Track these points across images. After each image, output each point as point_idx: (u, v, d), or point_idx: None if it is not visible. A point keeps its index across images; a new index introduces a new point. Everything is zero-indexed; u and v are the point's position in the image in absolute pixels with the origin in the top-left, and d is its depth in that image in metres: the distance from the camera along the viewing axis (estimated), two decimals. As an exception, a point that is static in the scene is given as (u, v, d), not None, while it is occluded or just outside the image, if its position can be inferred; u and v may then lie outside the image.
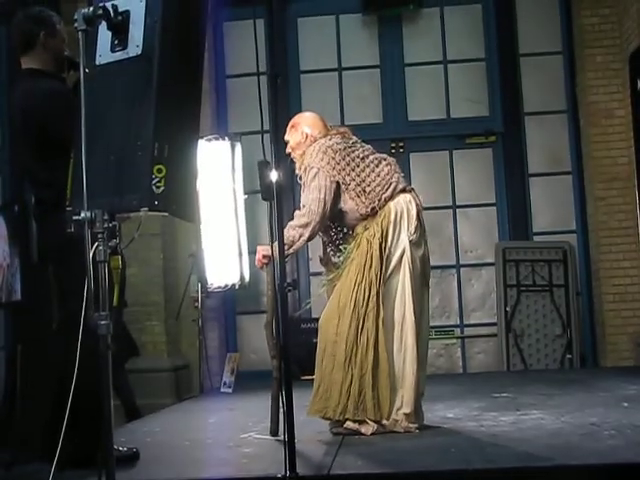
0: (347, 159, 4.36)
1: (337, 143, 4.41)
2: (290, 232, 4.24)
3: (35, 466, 3.80)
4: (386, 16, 8.65)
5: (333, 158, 4.34)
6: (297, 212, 4.36)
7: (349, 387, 4.11)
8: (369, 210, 4.32)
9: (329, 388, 4.14)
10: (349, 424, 4.18)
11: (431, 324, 8.23)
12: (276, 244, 3.38)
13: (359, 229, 4.35)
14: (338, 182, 4.32)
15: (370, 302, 4.17)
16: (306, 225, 4.29)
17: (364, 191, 4.32)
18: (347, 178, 4.33)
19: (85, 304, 2.73)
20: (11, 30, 3.84)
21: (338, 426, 4.21)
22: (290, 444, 3.11)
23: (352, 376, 4.11)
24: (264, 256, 4.37)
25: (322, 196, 4.30)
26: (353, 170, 4.35)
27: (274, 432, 4.17)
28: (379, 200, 4.33)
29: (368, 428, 4.15)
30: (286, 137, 4.51)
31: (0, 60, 8.49)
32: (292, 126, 4.55)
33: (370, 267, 4.21)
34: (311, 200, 4.32)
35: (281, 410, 3.30)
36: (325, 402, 4.15)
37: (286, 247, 4.08)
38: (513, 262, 8.23)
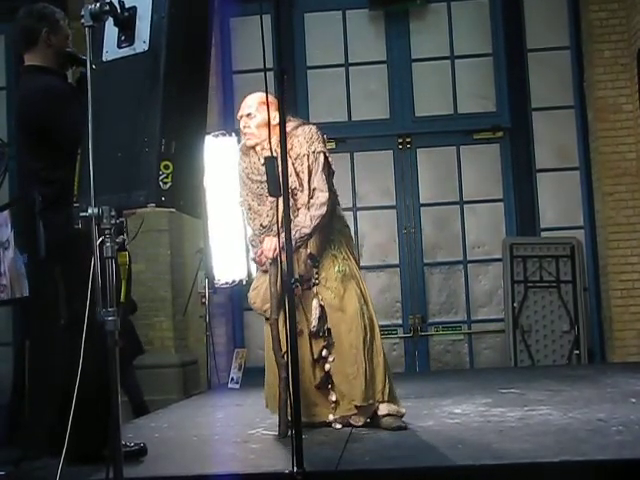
0: None
1: None
2: (314, 222, 4.18)
3: (43, 462, 3.81)
4: (393, 12, 8.64)
5: (326, 145, 4.36)
6: (314, 201, 4.22)
7: (387, 367, 4.27)
8: (338, 201, 4.46)
9: (372, 373, 4.19)
10: (391, 407, 4.22)
11: (438, 319, 8.42)
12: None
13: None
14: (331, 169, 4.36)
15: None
16: (326, 214, 4.23)
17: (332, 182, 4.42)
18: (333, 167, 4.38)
19: (93, 300, 2.74)
20: (14, 26, 3.82)
21: (365, 417, 4.26)
22: (297, 440, 3.11)
23: (385, 356, 4.27)
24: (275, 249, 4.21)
25: (330, 183, 4.31)
26: None
27: (284, 434, 4.09)
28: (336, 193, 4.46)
29: (402, 407, 4.30)
30: (252, 111, 4.31)
31: (8, 56, 8.54)
32: (262, 102, 4.21)
33: (356, 256, 4.50)
34: (327, 187, 4.25)
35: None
36: (372, 387, 4.18)
37: (306, 237, 4.18)
38: (520, 258, 8.22)
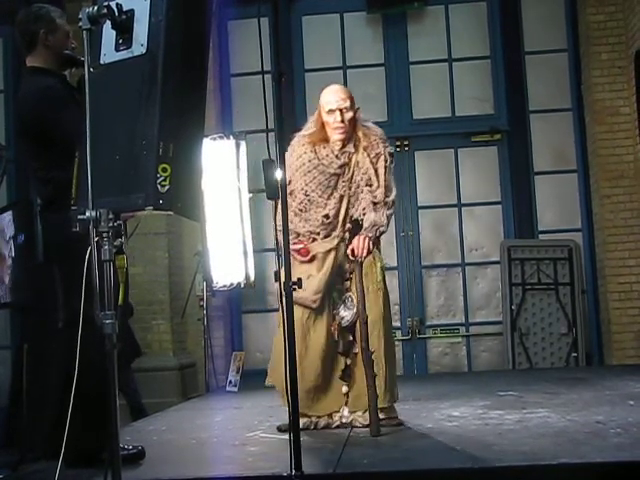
0: None
1: None
2: (389, 220, 4.39)
3: (41, 465, 3.81)
4: (391, 14, 8.65)
5: None
6: (389, 200, 4.39)
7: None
8: None
9: (390, 377, 4.29)
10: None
11: (437, 322, 8.42)
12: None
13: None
14: None
15: None
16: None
17: None
18: None
19: (91, 303, 2.73)
20: (14, 31, 3.82)
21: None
22: (296, 443, 3.11)
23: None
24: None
25: None
26: None
27: (375, 432, 4.10)
28: None
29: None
30: (344, 105, 4.46)
31: (6, 59, 8.54)
32: (351, 97, 4.53)
33: None
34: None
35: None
36: (391, 390, 4.29)
37: (380, 235, 4.37)
38: (518, 260, 8.23)
